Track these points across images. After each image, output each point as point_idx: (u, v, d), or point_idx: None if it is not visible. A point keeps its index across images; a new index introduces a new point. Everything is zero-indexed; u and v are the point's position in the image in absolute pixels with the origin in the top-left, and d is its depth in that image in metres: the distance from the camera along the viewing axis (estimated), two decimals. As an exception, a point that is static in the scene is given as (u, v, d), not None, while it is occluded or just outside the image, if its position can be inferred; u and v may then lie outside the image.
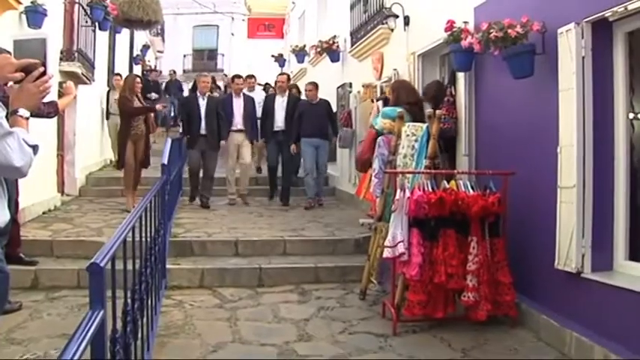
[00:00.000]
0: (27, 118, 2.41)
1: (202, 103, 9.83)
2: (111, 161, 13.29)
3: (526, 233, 5.25)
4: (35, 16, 7.48)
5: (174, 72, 22.41)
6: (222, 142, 10.01)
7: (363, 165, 7.06)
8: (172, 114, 18.70)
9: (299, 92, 11.95)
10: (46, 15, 7.63)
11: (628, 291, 4.03)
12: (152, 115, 9.73)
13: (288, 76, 12.04)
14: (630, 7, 3.99)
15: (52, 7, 8.22)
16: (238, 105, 10.35)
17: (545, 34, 4.86)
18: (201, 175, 10.05)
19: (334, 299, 5.97)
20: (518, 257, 5.22)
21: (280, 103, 10.56)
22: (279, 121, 10.44)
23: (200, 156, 9.84)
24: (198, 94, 10.08)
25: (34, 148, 2.36)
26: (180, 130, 10.68)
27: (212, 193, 10.11)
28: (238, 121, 10.25)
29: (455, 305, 5.17)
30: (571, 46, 4.50)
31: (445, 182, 5.27)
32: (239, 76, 10.96)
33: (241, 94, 10.57)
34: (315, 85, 10.49)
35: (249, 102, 10.53)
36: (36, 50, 2.46)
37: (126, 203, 9.12)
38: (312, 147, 10.13)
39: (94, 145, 12.59)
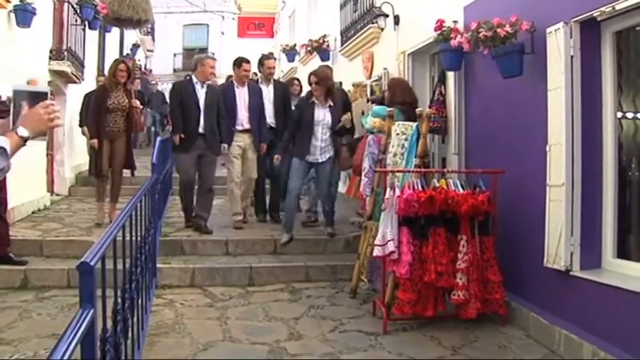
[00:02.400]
0: (24, 139, 2.34)
1: (201, 93, 7.51)
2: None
3: (515, 231, 5.28)
4: (24, 15, 7.46)
5: (157, 82, 20.04)
6: (224, 146, 7.69)
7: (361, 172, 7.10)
8: (154, 129, 17.36)
9: (301, 88, 9.55)
10: (35, 14, 7.60)
11: (616, 288, 4.06)
12: (137, 108, 8.06)
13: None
14: (618, 7, 4.02)
15: (42, 6, 8.19)
16: (243, 97, 8.01)
17: (534, 33, 4.89)
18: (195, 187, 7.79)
19: (325, 298, 5.98)
20: (507, 255, 5.25)
21: (266, 94, 8.28)
22: (268, 116, 8.22)
23: (195, 163, 7.53)
24: (195, 80, 7.56)
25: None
26: (171, 128, 8.19)
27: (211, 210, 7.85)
28: (243, 118, 7.91)
29: (445, 303, 5.18)
30: (559, 46, 4.53)
31: (435, 181, 5.29)
32: (247, 61, 8.24)
33: (246, 84, 8.13)
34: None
35: (255, 94, 8.09)
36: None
37: (97, 215, 7.89)
38: None
39: (83, 145, 12.53)
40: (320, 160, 7.18)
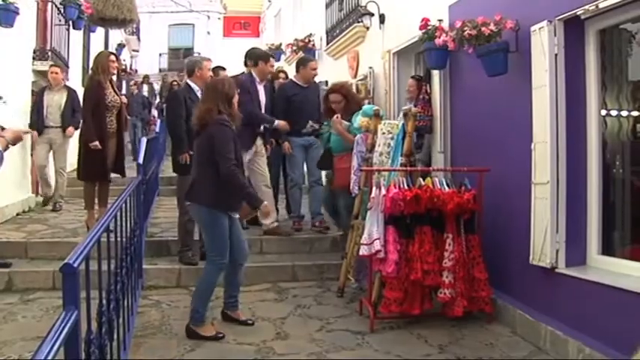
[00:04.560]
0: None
1: None
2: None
3: (501, 229, 5.30)
4: (7, 14, 7.38)
5: (136, 83, 16.96)
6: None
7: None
8: (136, 142, 13.87)
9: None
10: (18, 13, 7.53)
11: (601, 285, 4.09)
12: (126, 104, 7.55)
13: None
14: (601, 5, 4.05)
15: (25, 6, 8.12)
16: (262, 95, 7.27)
17: (519, 31, 4.91)
18: None
19: (311, 297, 5.98)
20: (493, 253, 5.26)
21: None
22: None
23: None
24: (196, 87, 6.48)
25: None
26: (178, 148, 6.44)
27: None
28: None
29: (431, 302, 5.19)
30: (544, 44, 4.55)
31: (421, 179, 5.29)
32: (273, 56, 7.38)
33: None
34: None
35: (267, 92, 7.36)
36: None
37: (87, 219, 7.29)
38: (302, 148, 7.50)
39: (69, 145, 12.43)
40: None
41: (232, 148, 4.77)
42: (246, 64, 7.52)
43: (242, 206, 4.93)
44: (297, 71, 7.53)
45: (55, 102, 8.79)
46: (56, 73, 8.91)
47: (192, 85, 6.55)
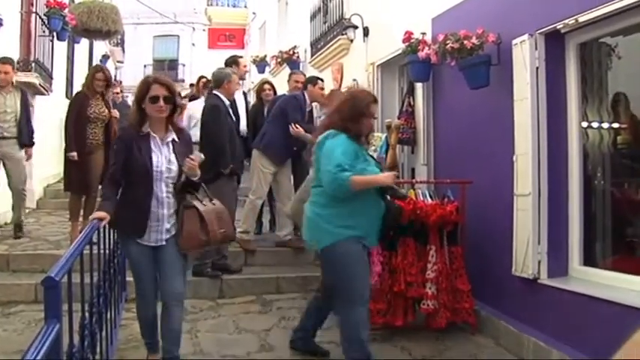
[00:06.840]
0: None
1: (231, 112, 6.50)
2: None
3: (484, 241, 5.33)
4: (-10, 26, 7.35)
5: (120, 89, 14.57)
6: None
7: None
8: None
9: (275, 92, 8.32)
10: (1, 24, 7.50)
11: (582, 295, 4.13)
12: (116, 117, 7.35)
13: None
14: (581, 20, 4.11)
15: (8, 17, 8.09)
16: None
17: (500, 45, 4.97)
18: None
19: (296, 309, 5.95)
20: (476, 265, 5.29)
21: (240, 102, 7.31)
22: (242, 125, 7.17)
23: None
24: (224, 98, 6.39)
25: None
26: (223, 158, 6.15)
27: None
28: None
29: (415, 313, 5.20)
30: (525, 57, 4.61)
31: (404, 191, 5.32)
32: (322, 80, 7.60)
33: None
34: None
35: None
36: None
37: (71, 231, 7.11)
38: None
39: (52, 157, 12.37)
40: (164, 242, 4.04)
41: (118, 159, 3.97)
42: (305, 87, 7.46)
43: (187, 235, 4.00)
44: (305, 88, 7.39)
45: (8, 108, 7.26)
46: (6, 72, 7.23)
47: (223, 98, 6.39)
